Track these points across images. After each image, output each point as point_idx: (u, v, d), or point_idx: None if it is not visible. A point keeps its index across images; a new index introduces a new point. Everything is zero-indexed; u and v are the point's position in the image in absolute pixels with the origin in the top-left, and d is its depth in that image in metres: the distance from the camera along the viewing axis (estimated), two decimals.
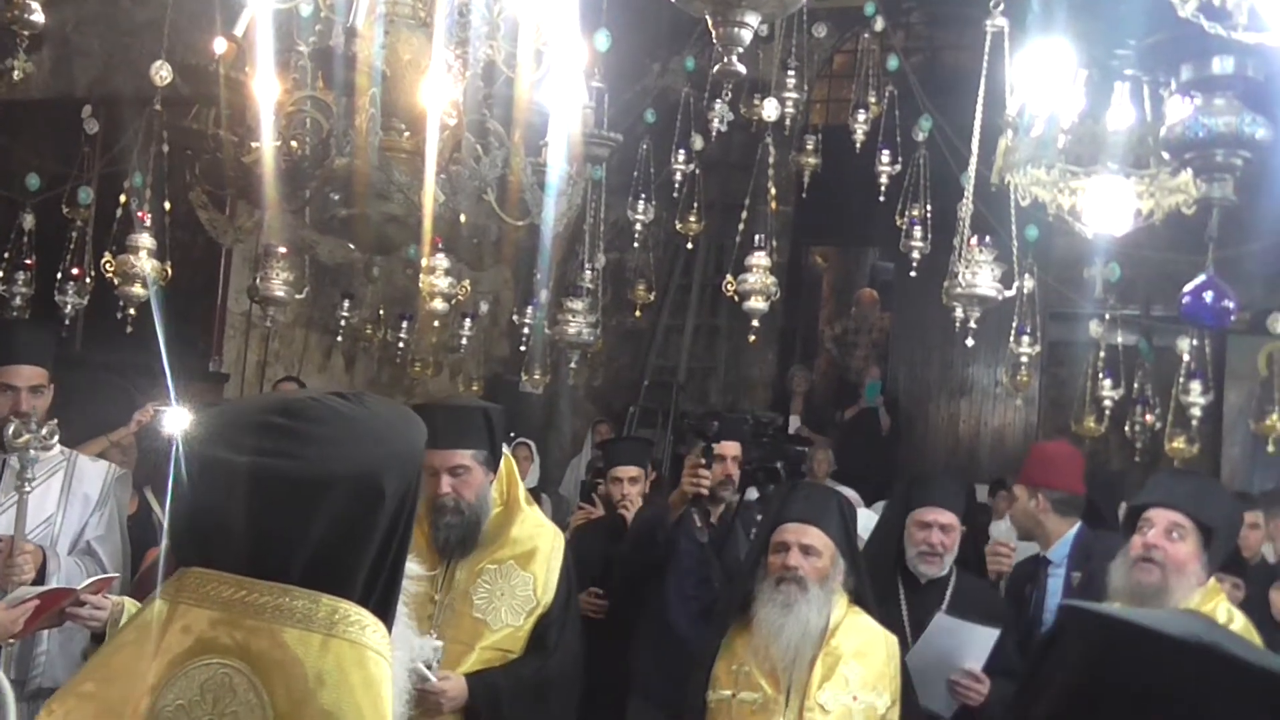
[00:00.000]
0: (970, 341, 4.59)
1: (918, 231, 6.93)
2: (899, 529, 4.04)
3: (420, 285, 4.46)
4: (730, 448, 4.66)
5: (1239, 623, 3.20)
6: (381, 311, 8.19)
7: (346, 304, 7.48)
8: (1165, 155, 3.00)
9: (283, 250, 4.79)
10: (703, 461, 4.19)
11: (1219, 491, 3.56)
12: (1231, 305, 2.89)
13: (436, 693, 3.27)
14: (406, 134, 3.25)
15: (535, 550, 3.53)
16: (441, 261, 4.34)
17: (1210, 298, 2.87)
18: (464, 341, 7.70)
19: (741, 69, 2.51)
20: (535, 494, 5.53)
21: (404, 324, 7.96)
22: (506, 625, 3.43)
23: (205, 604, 1.26)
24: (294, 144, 3.14)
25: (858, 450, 9.70)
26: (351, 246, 3.36)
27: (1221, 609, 3.21)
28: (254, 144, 3.17)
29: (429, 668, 3.30)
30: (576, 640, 3.61)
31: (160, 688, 1.22)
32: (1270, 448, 7.03)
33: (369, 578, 1.30)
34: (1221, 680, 1.08)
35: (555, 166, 3.27)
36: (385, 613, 1.32)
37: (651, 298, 9.09)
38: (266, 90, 3.00)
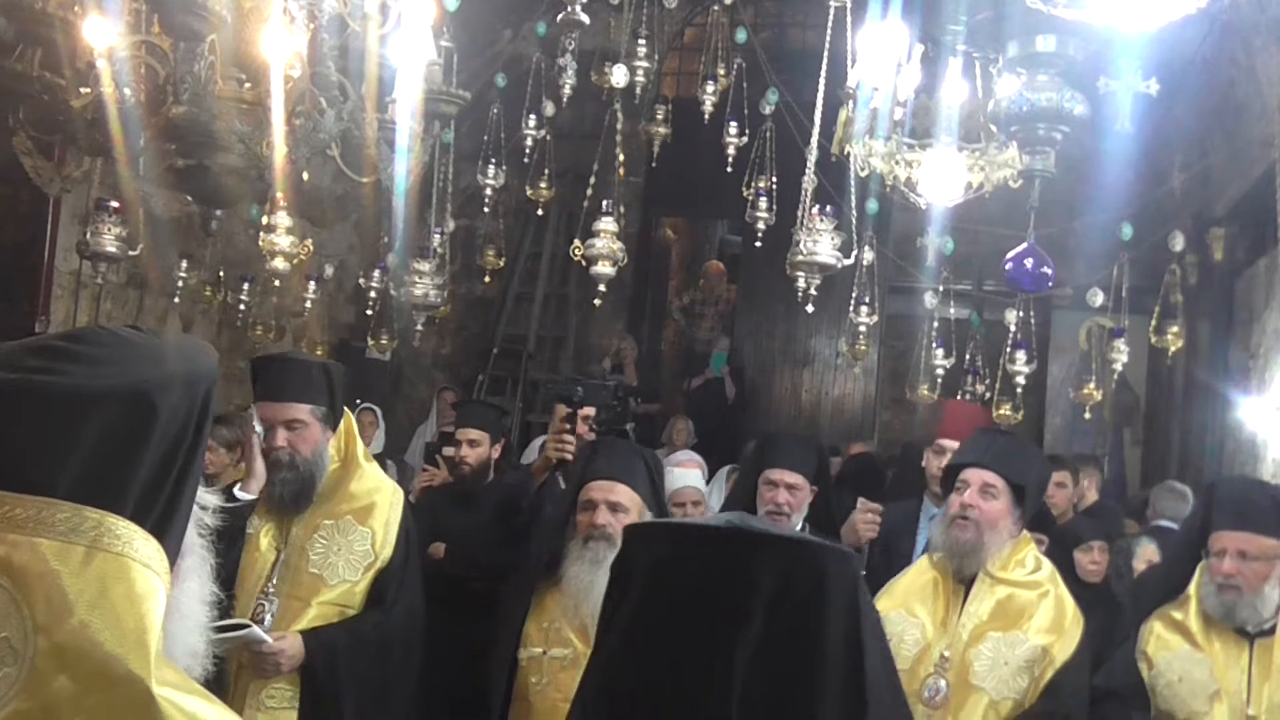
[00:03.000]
0: (810, 308, 4.73)
1: (763, 203, 7.06)
2: (752, 488, 4.14)
3: (260, 244, 4.33)
4: (587, 411, 4.68)
5: (1045, 570, 3.40)
6: (221, 273, 7.93)
7: (184, 264, 7.21)
8: (993, 129, 3.15)
9: (115, 204, 4.60)
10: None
11: (1029, 451, 3.76)
12: (1049, 272, 3.07)
13: (274, 652, 3.23)
14: (247, 85, 3.18)
15: (373, 506, 3.51)
16: (283, 220, 4.22)
17: (1030, 264, 3.04)
18: (308, 305, 7.51)
19: (585, 18, 2.53)
20: (380, 460, 5.47)
21: (245, 286, 7.73)
22: (344, 581, 3.40)
23: None
24: (128, 90, 3.03)
25: (704, 419, 9.86)
26: (189, 199, 3.26)
27: (1030, 557, 3.41)
28: (84, 89, 3.04)
29: (260, 624, 3.26)
30: (417, 597, 3.59)
31: None
32: (1087, 414, 7.44)
33: (143, 496, 1.29)
34: (755, 548, 1.33)
35: (403, 122, 3.24)
36: (164, 533, 1.31)
37: (501, 264, 9.03)
38: (99, 32, 2.89)
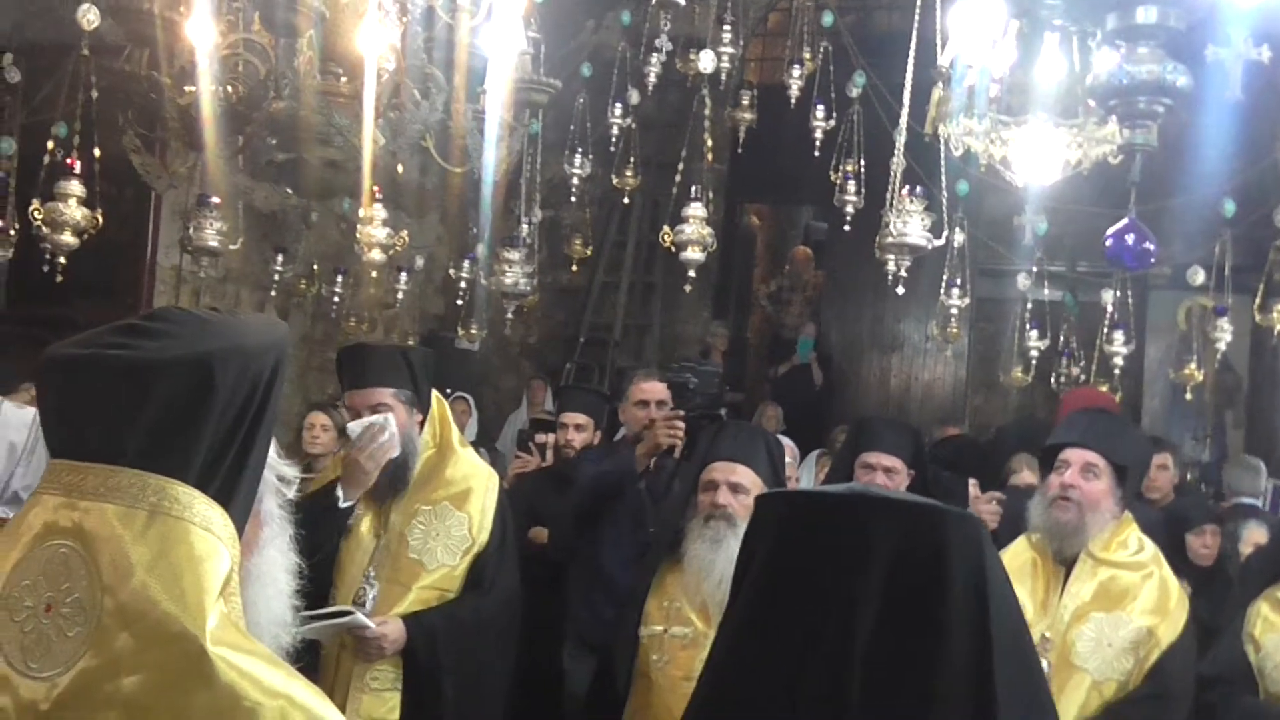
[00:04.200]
0: (900, 290, 4.68)
1: (851, 186, 7.01)
2: (849, 473, 4.12)
3: (358, 235, 4.42)
4: (656, 391, 4.71)
5: (1149, 551, 3.34)
6: (316, 266, 8.11)
7: (280, 258, 7.39)
8: (1091, 104, 3.09)
9: (216, 200, 4.73)
10: (680, 414, 4.23)
11: (1131, 430, 3.68)
12: (1152, 248, 3.01)
13: (376, 637, 3.31)
14: (344, 79, 3.25)
15: (470, 490, 3.56)
16: (379, 212, 4.31)
17: (1132, 240, 2.98)
18: (400, 296, 7.65)
19: None
20: (474, 448, 5.55)
21: (338, 279, 7.89)
22: (442, 565, 3.46)
23: (54, 490, 1.32)
24: (230, 88, 3.12)
25: (792, 406, 9.82)
26: (290, 191, 3.34)
27: (1133, 538, 3.35)
28: (189, 88, 3.14)
29: (362, 608, 3.34)
30: (513, 580, 3.64)
31: (12, 570, 1.29)
32: (1189, 395, 7.26)
33: (207, 463, 1.33)
34: (875, 512, 1.34)
35: (494, 112, 3.28)
36: (230, 499, 1.35)
37: (588, 253, 9.09)
38: (202, 32, 2.98)
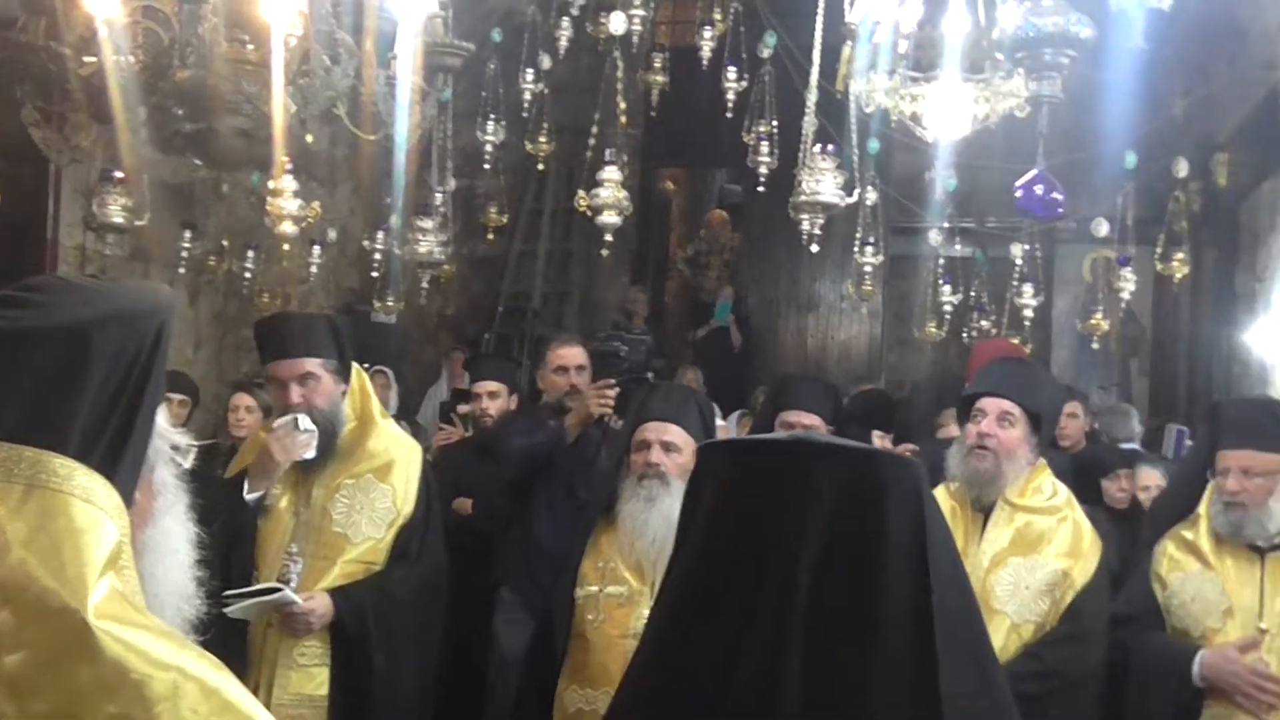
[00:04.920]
0: (815, 249, 4.73)
1: (764, 147, 7.03)
2: (769, 431, 4.17)
3: (268, 208, 4.34)
4: (574, 356, 4.71)
5: (1063, 495, 3.45)
6: (226, 242, 7.93)
7: (188, 235, 7.22)
8: (999, 57, 3.15)
9: (121, 174, 4.60)
10: (612, 382, 4.23)
11: (1044, 379, 3.78)
12: (1060, 198, 3.08)
13: (304, 613, 3.29)
14: (251, 46, 3.18)
15: (393, 463, 3.55)
16: (290, 183, 4.22)
17: (1041, 191, 3.05)
18: (313, 270, 7.52)
19: None
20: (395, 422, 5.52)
21: (249, 254, 7.73)
22: (368, 538, 3.45)
23: None
24: (133, 57, 3.04)
25: (711, 368, 9.90)
26: (199, 163, 3.27)
27: (1047, 484, 3.45)
28: (89, 58, 3.05)
29: (288, 584, 3.31)
30: (440, 550, 3.65)
31: None
32: (1095, 345, 7.46)
33: (87, 434, 1.31)
34: (817, 458, 1.37)
35: (405, 77, 3.24)
36: (114, 469, 1.32)
37: (504, 221, 9.02)
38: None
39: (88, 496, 1.28)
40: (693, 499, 1.45)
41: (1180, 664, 3.14)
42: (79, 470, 1.29)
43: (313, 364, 3.43)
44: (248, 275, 7.93)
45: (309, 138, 3.72)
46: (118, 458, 1.33)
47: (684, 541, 1.45)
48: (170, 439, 1.45)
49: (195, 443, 1.54)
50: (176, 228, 7.40)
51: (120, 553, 1.29)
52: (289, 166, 4.07)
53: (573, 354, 4.68)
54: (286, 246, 4.65)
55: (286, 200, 4.40)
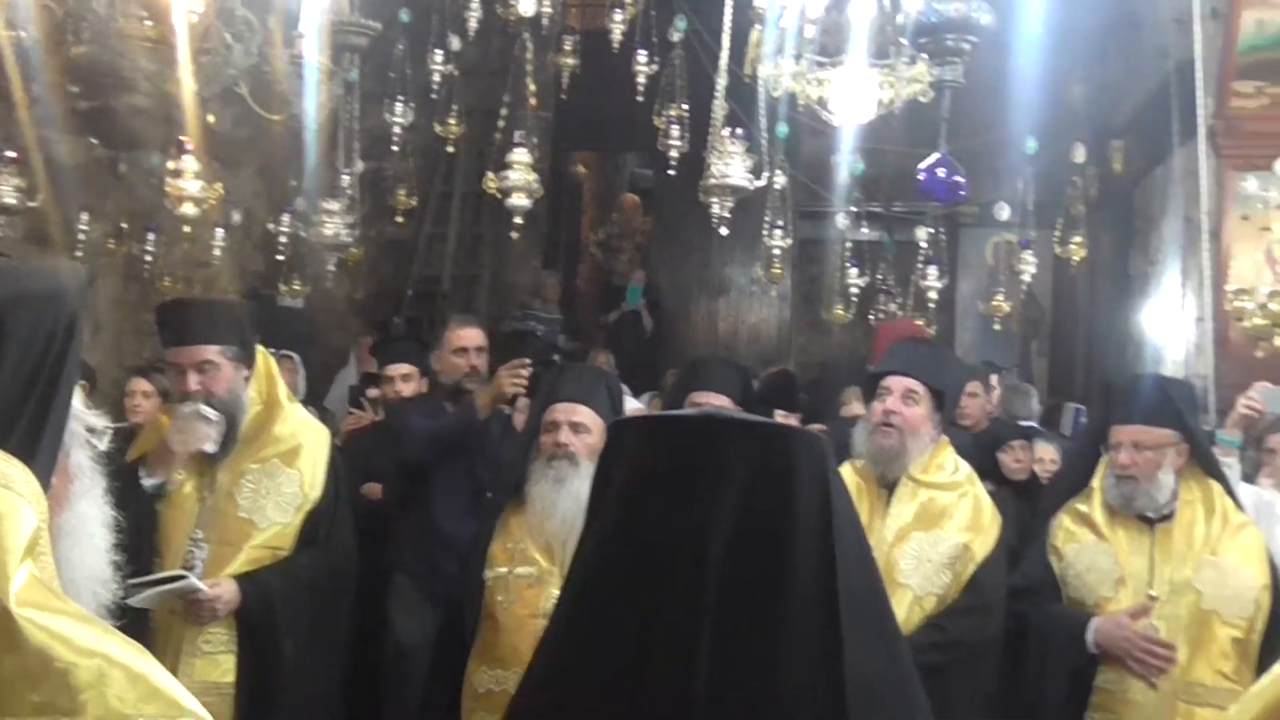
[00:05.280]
0: (725, 232, 4.77)
1: (675, 130, 7.05)
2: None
3: (168, 189, 4.24)
4: (474, 337, 4.67)
5: (964, 472, 3.54)
6: (125, 224, 7.71)
7: (85, 217, 7.00)
8: (903, 42, 3.21)
9: (12, 154, 4.46)
10: (527, 361, 4.21)
11: (947, 358, 3.88)
12: (962, 181, 3.16)
13: (209, 600, 3.24)
14: (149, 21, 3.10)
15: (300, 447, 3.50)
16: (190, 164, 4.13)
17: (943, 174, 3.11)
18: (216, 254, 7.35)
19: None
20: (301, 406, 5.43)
21: (149, 236, 7.52)
22: (274, 523, 3.41)
23: None
24: (24, 33, 2.95)
25: (623, 351, 9.93)
26: (95, 142, 3.17)
27: (949, 460, 3.54)
28: None
29: (192, 571, 3.25)
30: (348, 535, 3.62)
31: None
32: (997, 326, 7.65)
33: (2, 420, 1.28)
34: (727, 434, 1.38)
35: (311, 55, 3.19)
36: (32, 454, 1.29)
37: (413, 204, 8.93)
38: None
39: (5, 482, 1.25)
40: (603, 476, 1.46)
41: (1075, 632, 3.25)
42: None
43: (211, 351, 3.36)
44: (148, 259, 7.72)
45: (210, 118, 3.64)
46: (35, 441, 1.30)
47: (594, 518, 1.46)
48: (86, 421, 1.42)
49: (111, 425, 1.51)
50: (74, 209, 7.19)
51: (39, 539, 1.26)
52: (189, 147, 3.98)
53: (472, 335, 4.66)
54: (188, 229, 4.54)
55: (187, 181, 4.30)
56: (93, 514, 1.44)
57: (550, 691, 1.43)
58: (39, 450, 1.30)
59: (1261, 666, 3.20)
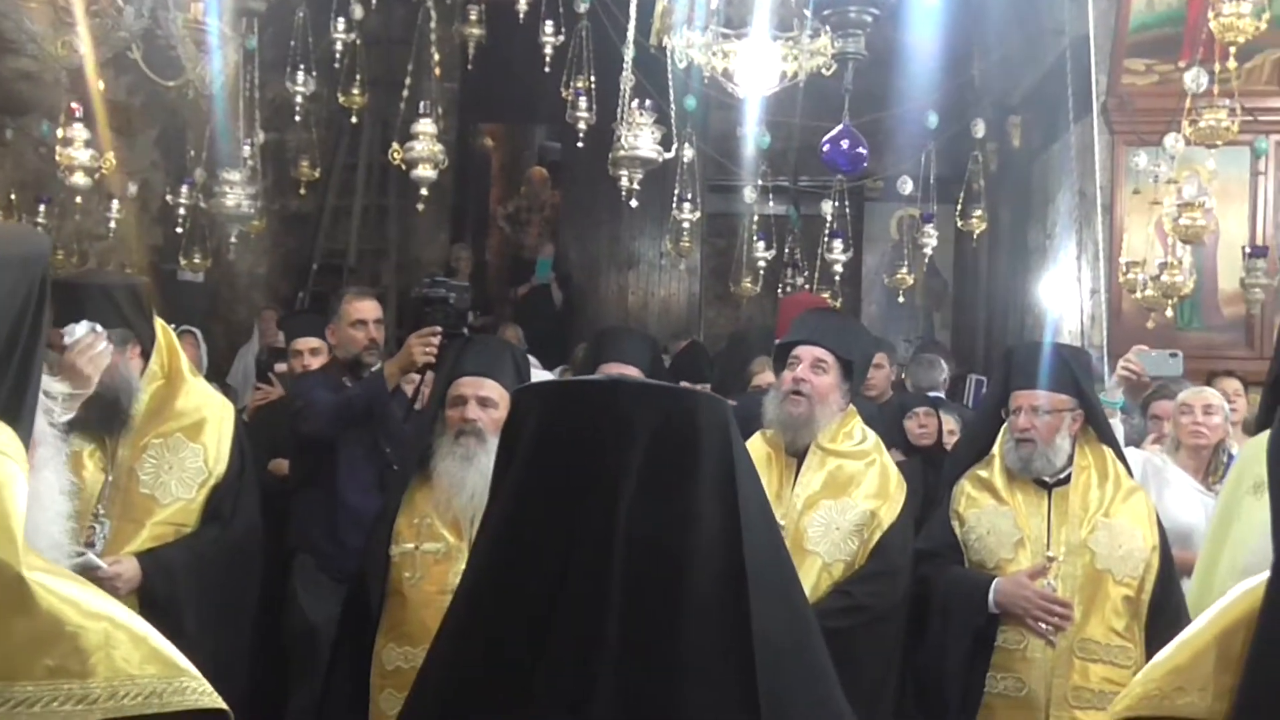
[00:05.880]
0: (634, 204, 4.79)
1: (583, 103, 7.00)
2: None
3: (58, 158, 4.10)
4: (372, 309, 4.61)
5: (871, 440, 3.61)
6: (14, 195, 7.44)
7: None
8: (806, 15, 3.23)
9: None
10: (438, 330, 4.14)
11: (856, 328, 3.94)
12: (864, 152, 3.21)
13: (109, 578, 3.16)
14: None
15: (204, 421, 3.43)
16: (80, 131, 4.00)
17: (846, 145, 3.15)
18: (112, 226, 7.13)
19: None
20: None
21: (40, 208, 7.27)
22: (177, 499, 3.33)
23: None
24: None
25: (533, 325, 9.89)
26: None
27: (857, 429, 3.60)
28: None
29: (91, 548, 3.17)
30: (254, 511, 3.56)
31: None
32: (901, 299, 7.79)
33: None
34: (633, 396, 1.40)
35: (210, 19, 3.11)
36: (16, 418, 1.30)
37: (316, 175, 8.75)
38: None
39: (4, 449, 1.26)
40: (509, 442, 1.46)
41: (977, 593, 3.34)
42: None
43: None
44: (40, 231, 7.47)
45: (100, 84, 3.53)
46: (20, 406, 1.30)
47: (501, 483, 1.46)
48: (47, 387, 1.42)
49: (71, 392, 1.50)
50: None
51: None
52: (79, 114, 3.86)
53: (370, 307, 4.59)
54: (79, 199, 4.40)
55: (77, 150, 4.18)
56: (54, 481, 1.44)
57: (460, 653, 1.43)
58: (23, 414, 1.31)
59: (1149, 623, 3.33)
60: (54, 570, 1.26)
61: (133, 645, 1.25)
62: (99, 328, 3.16)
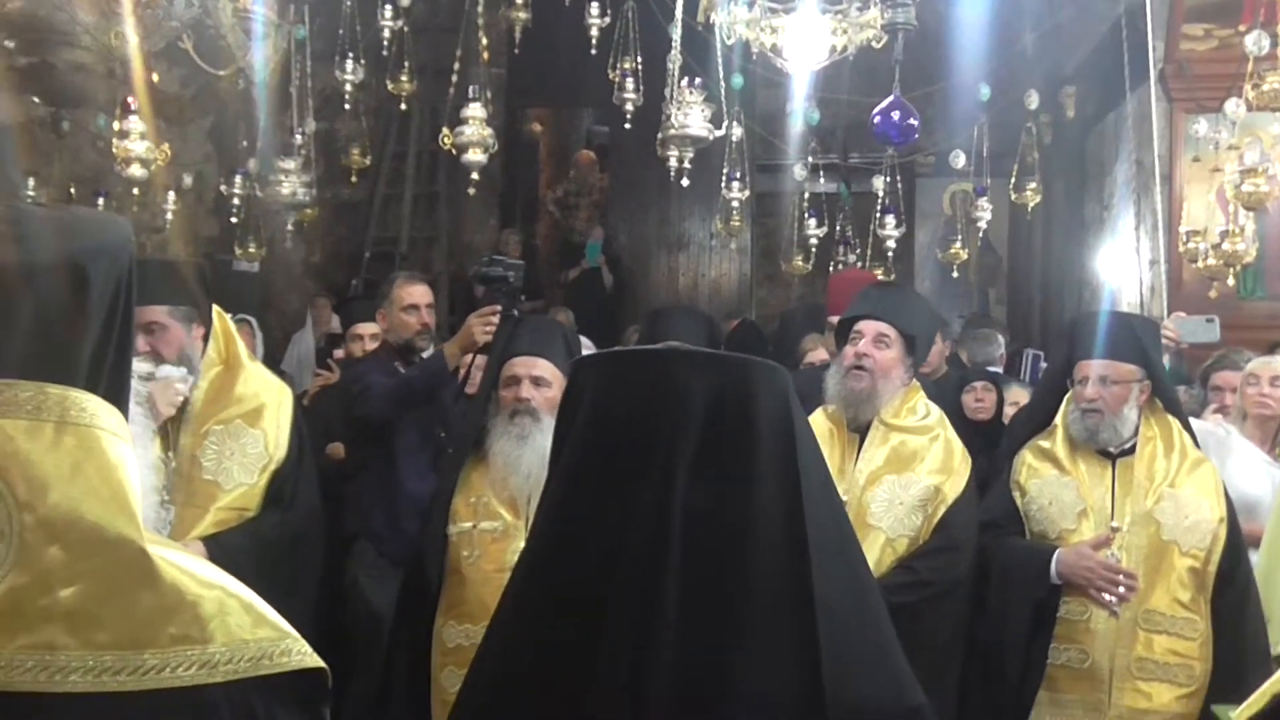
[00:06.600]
0: (685, 183, 4.76)
1: (630, 84, 6.99)
2: None
3: (114, 151, 4.16)
4: (424, 294, 4.63)
5: (935, 415, 3.56)
6: (73, 190, 7.57)
7: (31, 182, 6.86)
8: None
9: None
10: (498, 309, 4.15)
11: (918, 302, 3.89)
12: (915, 123, 3.16)
13: None
14: None
15: (263, 407, 3.45)
16: (135, 124, 4.05)
17: (897, 116, 3.11)
18: (169, 218, 7.23)
19: None
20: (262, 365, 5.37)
21: (99, 201, 7.38)
22: (240, 484, 3.36)
23: None
24: None
25: (583, 309, 9.90)
26: (36, 100, 3.09)
27: (920, 404, 3.56)
28: None
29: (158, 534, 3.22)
30: (314, 494, 3.58)
31: None
32: (955, 274, 7.70)
33: (93, 366, 1.32)
34: (689, 365, 1.40)
35: (257, 8, 3.13)
36: (118, 400, 1.35)
37: (367, 163, 8.81)
38: None
39: (115, 430, 1.31)
40: (568, 413, 1.46)
41: (1039, 563, 3.29)
42: (102, 406, 1.31)
43: (158, 312, 3.28)
44: None
45: (154, 76, 3.56)
46: (120, 386, 1.36)
47: (559, 457, 1.45)
48: (136, 368, 1.50)
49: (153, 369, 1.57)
50: (19, 175, 7.04)
51: None
52: (135, 106, 3.90)
53: (421, 292, 4.62)
54: (136, 191, 4.46)
55: (134, 142, 4.23)
56: (144, 456, 1.50)
57: (519, 626, 1.43)
58: (124, 395, 1.37)
59: (1216, 596, 3.27)
60: (166, 543, 1.34)
61: (244, 611, 1.33)
62: (171, 372, 3.21)
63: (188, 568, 1.31)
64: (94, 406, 1.30)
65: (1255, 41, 4.95)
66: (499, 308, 4.12)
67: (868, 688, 1.39)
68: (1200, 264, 6.09)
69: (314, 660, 1.37)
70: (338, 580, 4.34)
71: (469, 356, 4.24)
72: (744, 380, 1.40)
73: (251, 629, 1.32)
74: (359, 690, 4.16)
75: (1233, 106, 5.29)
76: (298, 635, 1.38)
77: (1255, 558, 3.52)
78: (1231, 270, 5.94)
